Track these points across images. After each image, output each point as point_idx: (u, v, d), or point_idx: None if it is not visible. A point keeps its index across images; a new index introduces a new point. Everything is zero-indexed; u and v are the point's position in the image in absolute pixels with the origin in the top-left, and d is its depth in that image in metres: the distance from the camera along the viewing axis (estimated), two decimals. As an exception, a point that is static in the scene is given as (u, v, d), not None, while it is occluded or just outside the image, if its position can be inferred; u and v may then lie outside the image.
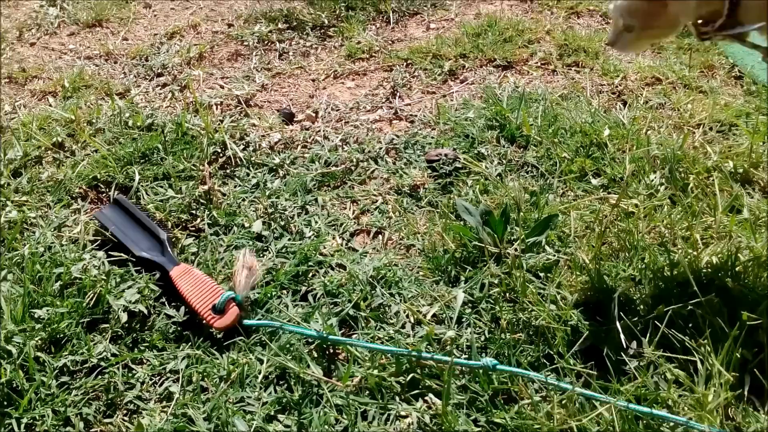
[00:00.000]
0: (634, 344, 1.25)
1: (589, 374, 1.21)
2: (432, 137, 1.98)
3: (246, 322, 1.37)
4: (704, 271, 1.40)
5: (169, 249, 1.52)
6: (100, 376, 1.28)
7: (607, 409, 1.13)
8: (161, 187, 1.76)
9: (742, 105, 2.07)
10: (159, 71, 2.39)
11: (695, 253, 1.45)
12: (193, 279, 1.44)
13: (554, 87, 2.25)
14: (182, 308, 1.40)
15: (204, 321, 1.36)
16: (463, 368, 1.25)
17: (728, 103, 2.08)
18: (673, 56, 2.42)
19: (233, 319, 1.36)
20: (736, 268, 1.39)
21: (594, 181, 1.75)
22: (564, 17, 2.73)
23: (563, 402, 1.16)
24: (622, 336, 1.25)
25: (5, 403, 1.22)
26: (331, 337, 1.30)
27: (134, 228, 1.59)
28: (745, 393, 1.14)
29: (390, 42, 2.59)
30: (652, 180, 1.72)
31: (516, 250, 1.44)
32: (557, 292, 1.36)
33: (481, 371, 1.21)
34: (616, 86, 2.23)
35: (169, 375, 1.29)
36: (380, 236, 1.64)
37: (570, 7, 2.81)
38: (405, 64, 2.42)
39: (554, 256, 1.46)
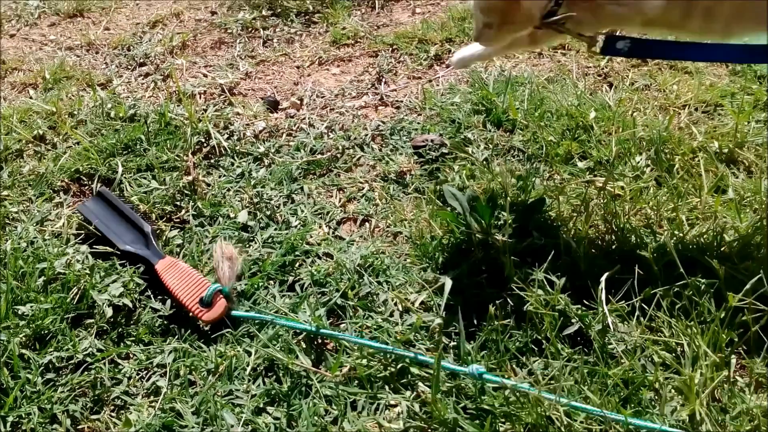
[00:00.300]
0: (621, 327, 1.25)
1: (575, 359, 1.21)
2: (418, 123, 1.97)
3: (234, 313, 1.37)
4: (690, 252, 1.40)
5: (153, 242, 1.50)
6: (86, 372, 1.27)
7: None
8: (145, 178, 1.75)
9: (727, 85, 2.06)
10: (141, 61, 2.36)
11: (681, 234, 1.45)
12: (179, 272, 1.43)
13: (540, 70, 2.24)
14: (168, 302, 1.39)
15: (192, 314, 1.36)
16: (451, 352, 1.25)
17: (713, 84, 2.08)
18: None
19: (221, 311, 1.35)
20: (722, 249, 1.39)
21: (580, 164, 1.75)
22: (549, -1, 2.71)
23: (552, 387, 1.16)
24: (609, 319, 1.25)
25: (-10, 401, 1.21)
26: (322, 330, 1.30)
27: (118, 221, 1.58)
28: (731, 374, 1.15)
29: (375, 27, 2.57)
30: (638, 162, 1.71)
31: (503, 235, 1.43)
32: (545, 276, 1.35)
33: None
34: (602, 68, 2.22)
35: (156, 369, 1.28)
36: (367, 224, 1.63)
37: (555, -12, 2.79)
38: (390, 49, 2.40)
39: (541, 240, 1.46)
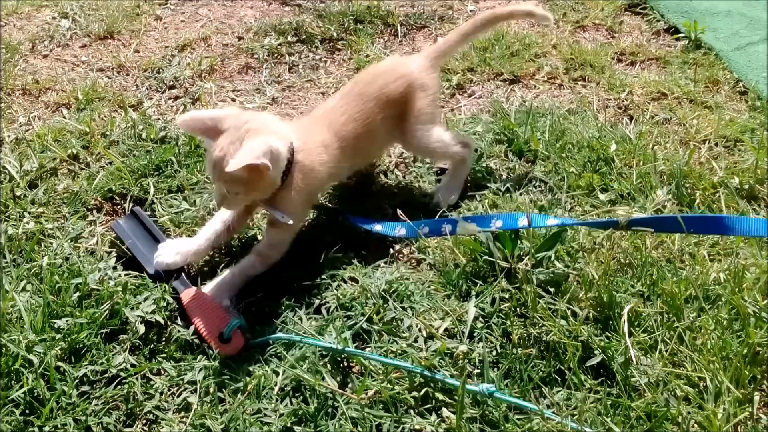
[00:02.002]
0: (644, 360, 1.28)
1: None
2: (441, 151, 2.00)
3: (253, 342, 1.41)
4: (712, 287, 1.43)
5: (181, 269, 1.54)
6: (119, 386, 1.30)
7: None
8: (175, 199, 1.79)
9: (747, 120, 2.10)
10: (171, 84, 2.42)
11: (703, 269, 1.48)
12: (202, 304, 1.46)
13: (561, 101, 2.28)
14: (191, 328, 1.42)
15: (211, 347, 1.39)
16: (476, 381, 1.27)
17: (733, 119, 2.11)
18: (678, 71, 2.45)
19: (239, 347, 1.39)
20: (744, 285, 1.41)
21: (602, 196, 1.78)
22: (570, 31, 2.76)
23: (575, 418, 1.18)
24: (632, 352, 1.27)
25: (27, 411, 1.24)
26: (348, 349, 1.33)
27: (149, 241, 1.61)
28: (755, 411, 1.17)
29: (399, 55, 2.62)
30: (659, 195, 1.74)
31: (526, 265, 1.46)
32: (567, 307, 1.38)
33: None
34: (623, 101, 2.26)
35: (186, 386, 1.31)
36: (391, 250, 1.67)
37: (576, 21, 2.84)
38: (413, 77, 2.45)
39: (563, 271, 1.49)
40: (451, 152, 1.79)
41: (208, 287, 1.50)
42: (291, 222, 1.52)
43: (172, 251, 1.54)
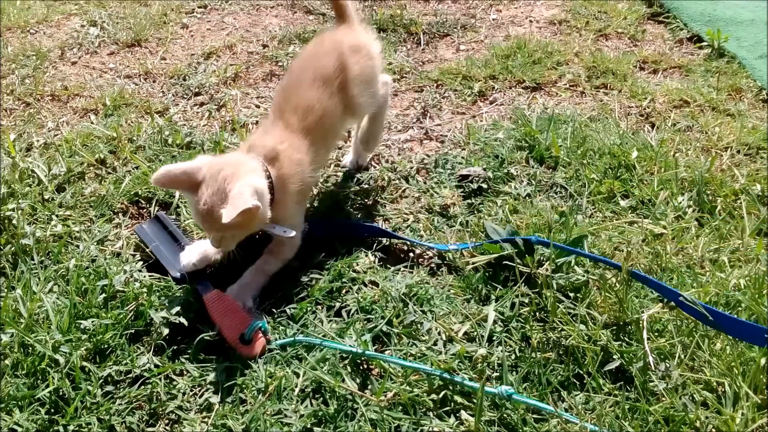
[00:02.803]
0: (662, 365, 1.27)
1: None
2: (462, 157, 2.02)
3: (272, 344, 1.42)
4: (732, 293, 1.42)
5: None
6: (142, 386, 1.33)
7: None
8: (200, 203, 1.82)
9: (770, 128, 2.09)
10: (196, 90, 2.47)
11: (723, 275, 1.47)
12: (224, 306, 1.48)
13: (583, 109, 2.29)
14: (214, 329, 1.44)
15: (232, 348, 1.41)
16: (494, 384, 1.28)
17: (756, 127, 2.10)
18: (700, 79, 2.44)
19: (260, 350, 1.41)
20: (763, 291, 1.41)
21: (622, 203, 1.78)
22: (592, 40, 2.77)
23: (594, 421, 1.18)
24: (650, 357, 1.27)
25: (53, 410, 1.27)
26: (368, 353, 1.34)
27: (172, 245, 1.64)
28: (773, 415, 1.16)
29: (420, 63, 2.65)
30: (680, 202, 1.74)
31: (546, 270, 1.47)
32: (587, 312, 1.39)
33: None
34: (644, 108, 2.26)
35: (209, 386, 1.33)
36: (411, 254, 1.68)
37: (598, 29, 2.84)
38: (435, 85, 2.47)
39: (583, 276, 1.49)
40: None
41: (231, 289, 1.53)
42: (294, 234, 1.55)
43: (195, 252, 1.58)
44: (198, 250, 1.58)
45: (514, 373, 1.31)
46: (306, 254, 1.65)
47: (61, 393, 1.29)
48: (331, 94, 1.66)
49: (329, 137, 1.73)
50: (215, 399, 1.30)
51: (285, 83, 1.75)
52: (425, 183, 1.93)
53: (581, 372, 1.30)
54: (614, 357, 1.30)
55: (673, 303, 1.37)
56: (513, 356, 1.35)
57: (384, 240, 1.70)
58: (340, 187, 1.90)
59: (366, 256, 1.65)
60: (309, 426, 1.24)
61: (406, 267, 1.62)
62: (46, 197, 1.85)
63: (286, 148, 1.60)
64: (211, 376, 1.34)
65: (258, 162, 1.54)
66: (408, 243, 1.69)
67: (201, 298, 1.50)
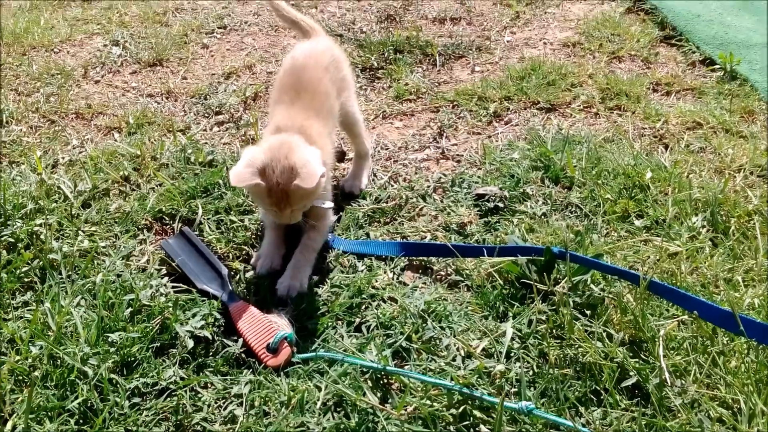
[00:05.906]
0: (678, 382, 1.30)
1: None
2: (478, 176, 2.05)
3: (297, 357, 1.45)
4: (746, 312, 1.44)
5: (229, 285, 1.60)
6: (168, 399, 1.36)
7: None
8: (222, 220, 1.86)
9: (783, 150, 2.11)
10: (217, 110, 2.52)
11: (737, 294, 1.50)
12: (250, 317, 1.52)
13: (597, 130, 2.32)
14: (240, 341, 1.47)
15: (258, 359, 1.44)
16: (513, 399, 1.31)
17: (769, 148, 2.13)
18: (713, 101, 2.47)
19: (285, 359, 1.44)
20: (779, 311, 1.43)
21: (637, 222, 1.81)
22: (606, 62, 2.81)
23: (610, 436, 1.21)
24: (666, 374, 1.30)
25: (81, 421, 1.30)
26: (389, 368, 1.37)
27: (197, 260, 1.68)
28: (789, 432, 1.18)
29: (436, 84, 2.69)
30: (694, 222, 1.77)
31: (563, 288, 1.49)
32: (603, 329, 1.41)
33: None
34: (658, 130, 2.29)
35: (233, 399, 1.36)
36: (429, 271, 1.71)
37: (612, 51, 2.88)
38: (451, 105, 2.52)
39: (600, 294, 1.52)
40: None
41: (284, 276, 1.64)
42: (331, 205, 1.70)
43: (267, 258, 1.70)
44: (269, 255, 1.70)
45: (532, 388, 1.34)
46: (324, 270, 1.68)
47: (89, 404, 1.32)
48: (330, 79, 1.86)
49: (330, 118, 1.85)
50: (239, 411, 1.33)
51: (292, 72, 1.87)
52: (442, 201, 1.96)
53: (598, 388, 1.32)
54: (631, 374, 1.32)
55: (691, 316, 1.39)
56: (531, 372, 1.38)
57: (402, 257, 1.73)
58: (358, 205, 1.94)
59: (385, 273, 1.69)
60: (331, 438, 1.27)
61: (424, 284, 1.65)
62: (72, 213, 1.89)
63: (313, 124, 1.71)
64: (236, 389, 1.37)
65: (299, 138, 1.62)
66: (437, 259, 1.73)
67: (226, 308, 1.53)
